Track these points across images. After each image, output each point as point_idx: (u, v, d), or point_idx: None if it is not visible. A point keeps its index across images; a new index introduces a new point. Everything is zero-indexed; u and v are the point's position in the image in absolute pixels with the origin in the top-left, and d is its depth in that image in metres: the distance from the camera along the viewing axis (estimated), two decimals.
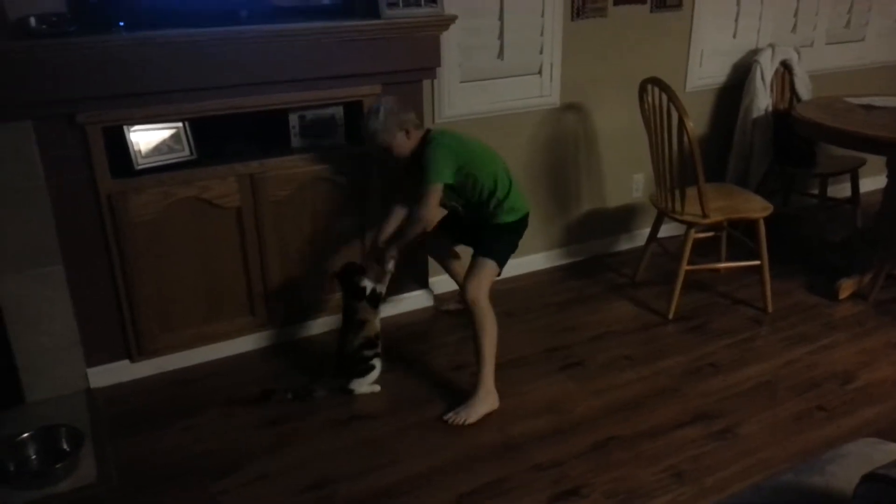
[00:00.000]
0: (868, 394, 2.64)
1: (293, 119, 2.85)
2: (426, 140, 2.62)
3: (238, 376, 2.79)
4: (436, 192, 2.53)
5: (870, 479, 1.03)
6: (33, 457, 2.29)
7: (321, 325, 3.05)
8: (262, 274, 2.85)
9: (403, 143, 2.61)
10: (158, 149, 2.64)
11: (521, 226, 2.75)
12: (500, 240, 2.69)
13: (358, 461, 2.33)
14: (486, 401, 2.54)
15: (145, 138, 2.62)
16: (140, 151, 2.61)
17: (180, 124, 2.67)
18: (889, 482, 1.01)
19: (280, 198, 2.79)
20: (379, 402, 2.63)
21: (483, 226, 2.71)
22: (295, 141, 2.87)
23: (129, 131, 2.58)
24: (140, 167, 2.59)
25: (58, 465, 2.21)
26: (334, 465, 2.31)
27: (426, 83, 3.04)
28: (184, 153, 2.68)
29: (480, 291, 2.56)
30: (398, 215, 2.74)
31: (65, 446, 2.31)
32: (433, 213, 2.60)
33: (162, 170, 2.62)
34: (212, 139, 2.77)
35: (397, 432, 2.47)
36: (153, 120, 2.58)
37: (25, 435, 2.30)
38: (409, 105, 2.70)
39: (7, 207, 2.39)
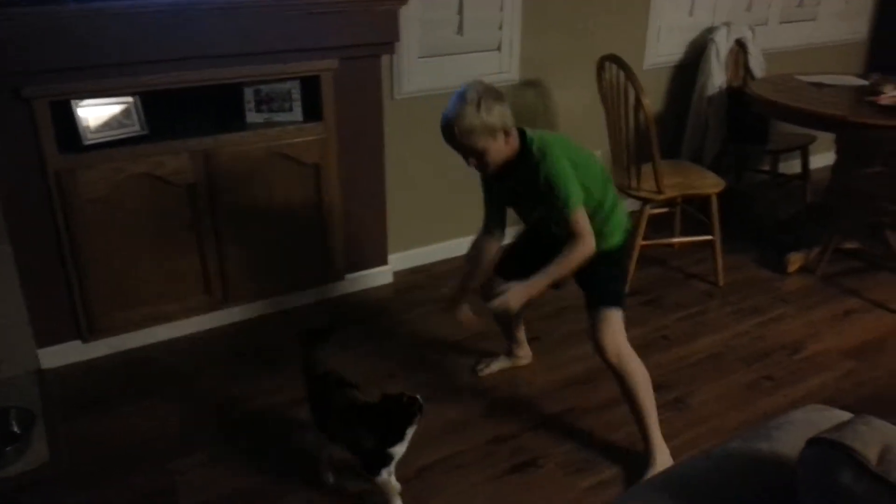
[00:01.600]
0: (814, 363, 2.73)
1: (248, 93, 2.80)
2: (527, 146, 2.03)
3: (194, 356, 2.75)
4: (585, 218, 2.02)
5: (814, 443, 1.07)
6: None
7: (277, 303, 3.03)
8: (217, 252, 2.80)
9: (501, 149, 1.99)
10: (108, 124, 2.57)
11: (629, 246, 2.32)
12: (613, 274, 2.21)
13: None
14: (662, 462, 2.17)
15: (95, 113, 2.54)
16: (89, 127, 2.53)
17: (131, 99, 2.59)
18: (832, 445, 1.05)
19: (235, 174, 2.74)
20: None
21: (599, 254, 2.08)
22: (250, 116, 2.82)
23: (77, 106, 2.50)
24: (89, 143, 2.52)
25: (7, 448, 2.16)
26: (294, 445, 2.30)
27: (384, 58, 3.00)
28: (135, 128, 2.61)
29: (620, 343, 2.13)
30: (490, 250, 2.29)
31: (15, 428, 2.25)
32: (593, 238, 2.03)
33: (112, 145, 2.55)
34: (164, 114, 2.70)
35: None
36: (103, 94, 2.51)
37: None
38: (504, 95, 2.01)
39: None
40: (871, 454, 1.02)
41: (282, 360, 2.73)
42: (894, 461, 1.01)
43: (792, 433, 1.25)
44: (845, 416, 1.29)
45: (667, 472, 1.29)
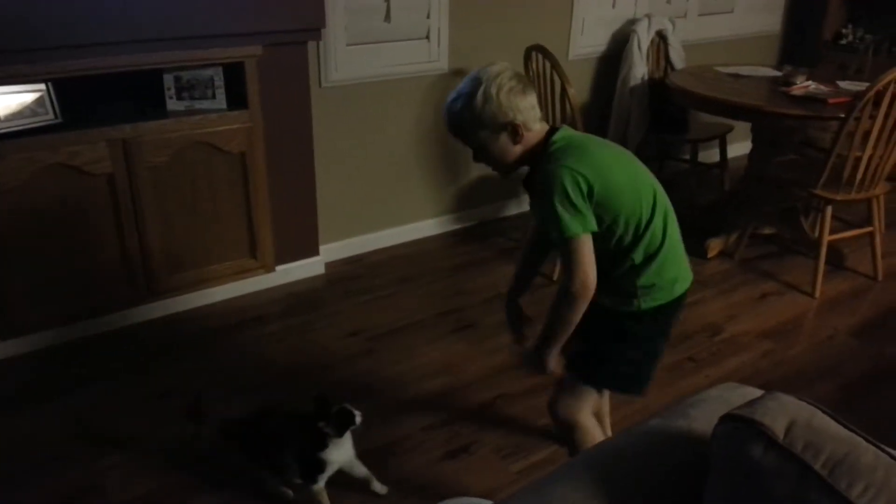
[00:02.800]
0: (733, 344, 2.85)
1: (168, 80, 2.72)
2: (548, 147, 1.60)
3: (116, 352, 2.67)
4: (582, 250, 1.53)
5: (726, 419, 1.12)
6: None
7: (204, 296, 2.96)
8: (139, 244, 2.72)
9: (507, 148, 1.62)
10: (20, 112, 2.46)
11: (670, 315, 1.70)
12: (630, 356, 1.72)
13: None
14: None
15: (4, 101, 2.43)
16: None
17: (44, 86, 2.49)
18: (743, 421, 1.10)
19: (157, 164, 2.66)
20: (272, 371, 2.59)
21: (595, 312, 1.61)
22: (171, 104, 2.74)
23: None
24: None
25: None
26: None
27: (311, 46, 2.96)
28: (48, 117, 2.51)
29: (572, 409, 1.79)
30: (533, 264, 1.94)
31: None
32: (591, 276, 1.54)
33: (24, 134, 2.44)
34: (80, 102, 2.61)
35: (286, 399, 2.44)
36: (13, 81, 2.40)
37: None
38: (531, 85, 1.64)
39: None
40: (779, 428, 1.07)
41: (206, 352, 2.68)
42: (800, 434, 1.07)
43: (707, 410, 1.30)
44: (757, 393, 1.35)
45: (589, 451, 1.33)
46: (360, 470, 2.03)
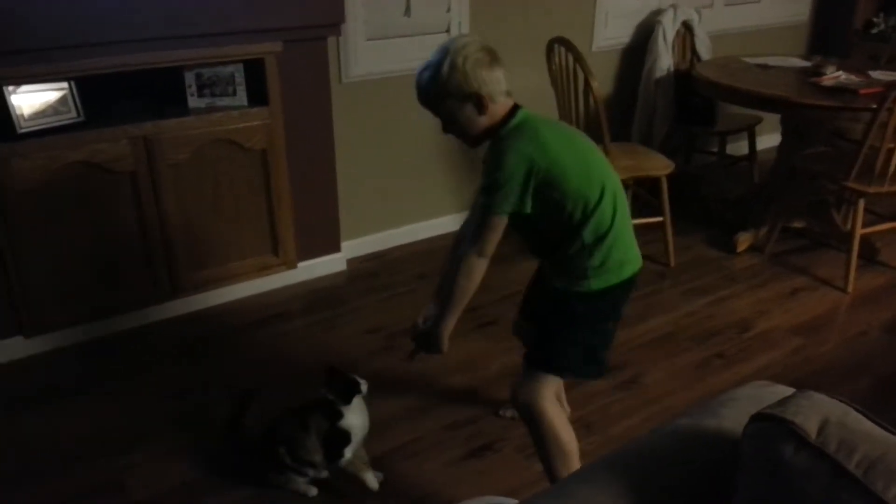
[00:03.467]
0: (763, 341, 2.78)
1: (189, 78, 2.72)
2: (506, 125, 1.68)
3: (140, 350, 2.68)
4: (498, 227, 1.66)
5: (757, 418, 1.08)
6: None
7: (227, 293, 2.96)
8: (162, 242, 2.73)
9: (473, 120, 1.67)
10: (43, 111, 2.48)
11: (619, 296, 1.76)
12: (576, 337, 1.77)
13: None
14: None
15: (28, 100, 2.45)
16: (23, 115, 2.43)
17: (66, 84, 2.50)
18: (774, 420, 1.06)
19: (178, 161, 2.67)
20: (294, 368, 2.59)
21: (546, 291, 1.76)
22: (192, 101, 2.75)
23: (10, 93, 2.40)
24: (23, 131, 2.42)
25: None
26: None
27: (331, 41, 2.94)
28: (71, 115, 2.52)
29: (533, 394, 1.80)
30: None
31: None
32: (490, 251, 1.69)
33: (47, 133, 2.45)
34: (102, 100, 2.62)
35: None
36: (37, 80, 2.42)
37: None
38: (498, 59, 1.69)
39: None
40: (811, 427, 1.03)
41: (229, 349, 2.68)
42: (832, 433, 1.03)
43: (737, 409, 1.26)
44: (788, 391, 1.31)
45: (617, 451, 1.29)
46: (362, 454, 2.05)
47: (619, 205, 1.70)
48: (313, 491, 2.05)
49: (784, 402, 1.11)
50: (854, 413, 1.07)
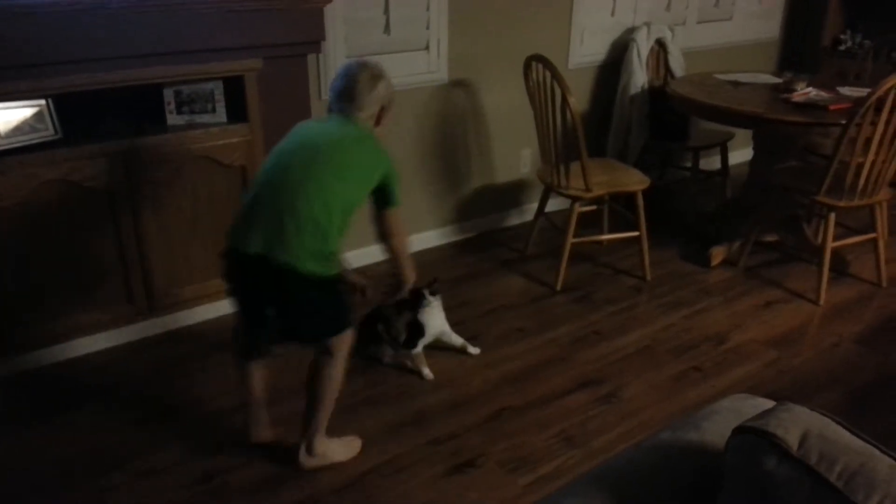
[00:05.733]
0: (739, 353, 2.82)
1: (168, 94, 2.71)
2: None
3: (116, 369, 2.65)
4: None
5: (740, 431, 1.10)
6: None
7: (205, 312, 2.93)
8: (140, 260, 2.70)
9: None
10: (19, 128, 2.45)
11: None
12: (332, 297, 2.07)
13: (248, 449, 2.26)
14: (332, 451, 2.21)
15: (3, 117, 2.42)
16: None
17: (43, 101, 2.48)
18: (757, 433, 1.08)
19: (157, 179, 2.65)
20: (273, 387, 2.57)
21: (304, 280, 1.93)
22: (171, 118, 2.73)
23: None
24: None
25: None
26: (225, 455, 2.24)
27: (311, 58, 2.95)
28: (48, 132, 2.49)
29: (339, 363, 2.09)
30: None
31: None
32: None
33: (25, 151, 2.42)
34: (79, 117, 2.59)
35: (289, 416, 2.41)
36: (12, 97, 2.38)
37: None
38: None
39: None
40: (792, 440, 1.06)
41: (207, 368, 2.66)
42: (813, 445, 1.05)
43: (719, 422, 1.28)
44: (769, 403, 1.34)
45: (601, 466, 1.31)
46: (455, 339, 2.74)
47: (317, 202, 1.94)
48: (387, 358, 2.68)
49: (765, 414, 1.13)
50: (833, 425, 1.10)
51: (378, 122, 2.10)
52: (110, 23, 2.39)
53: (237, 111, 2.79)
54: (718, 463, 1.15)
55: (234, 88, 2.76)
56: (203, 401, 2.49)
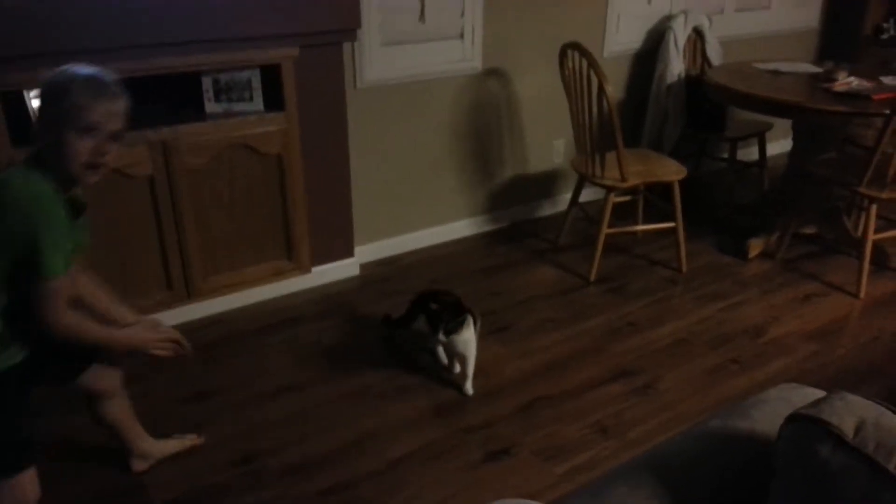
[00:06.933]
0: (777, 346, 2.78)
1: (206, 82, 2.73)
2: None
3: None
4: None
5: (794, 419, 1.08)
6: None
7: (242, 298, 2.97)
8: (179, 247, 2.73)
9: None
10: None
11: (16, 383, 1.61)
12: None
13: (286, 432, 2.29)
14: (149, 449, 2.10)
15: None
16: None
17: None
18: (811, 420, 1.06)
19: (196, 166, 2.68)
20: (305, 374, 2.59)
21: None
22: (209, 106, 2.75)
23: (29, 96, 2.41)
24: None
25: None
26: (262, 438, 2.27)
27: (346, 46, 2.96)
28: None
29: None
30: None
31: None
32: None
33: None
34: None
35: (324, 402, 2.44)
36: None
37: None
38: None
39: None
40: (848, 428, 1.04)
41: (244, 353, 2.69)
42: (869, 434, 1.03)
43: (768, 411, 1.26)
44: (819, 393, 1.31)
45: (647, 452, 1.30)
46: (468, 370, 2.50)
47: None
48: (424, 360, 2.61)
49: (818, 402, 1.11)
50: (889, 414, 1.07)
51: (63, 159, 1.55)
52: (152, 10, 2.42)
53: (273, 99, 2.80)
54: (769, 451, 1.14)
55: (271, 76, 2.78)
56: (240, 385, 2.51)
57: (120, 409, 2.01)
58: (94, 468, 2.15)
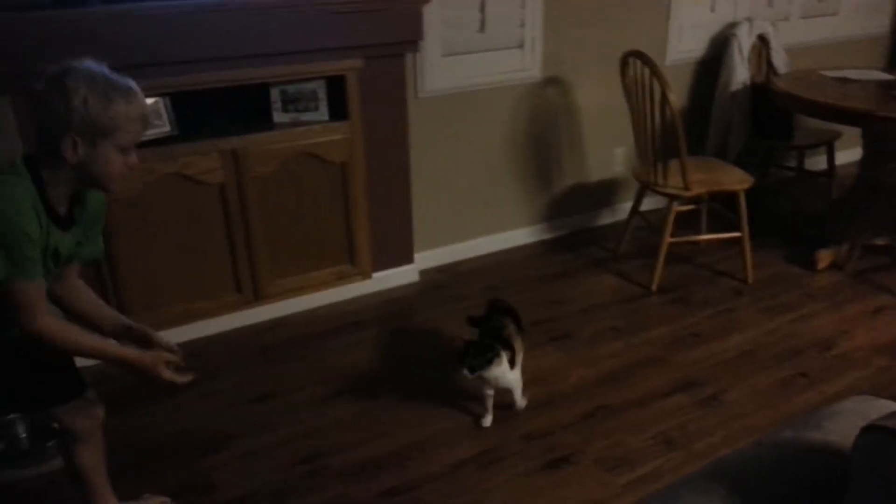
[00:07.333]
0: (847, 360, 2.70)
1: (274, 93, 2.82)
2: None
3: (223, 354, 2.77)
4: None
5: (870, 430, 1.06)
6: (23, 436, 2.25)
7: (305, 302, 3.04)
8: (247, 251, 2.82)
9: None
10: None
11: None
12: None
13: (348, 434, 2.33)
14: None
15: None
16: None
17: (161, 99, 2.62)
18: (888, 432, 1.04)
19: (264, 174, 2.76)
20: (365, 378, 2.63)
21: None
22: (277, 116, 2.84)
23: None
24: None
25: (49, 443, 2.18)
26: (324, 439, 2.31)
27: (408, 57, 3.01)
28: (165, 128, 2.64)
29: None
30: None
31: (54, 425, 2.26)
32: None
33: (143, 145, 2.56)
34: (192, 114, 2.72)
35: (384, 406, 2.47)
36: None
37: (13, 416, 2.25)
38: None
39: None
40: None
41: (308, 355, 2.75)
42: None
43: (842, 422, 1.24)
44: (893, 405, 1.28)
45: (718, 460, 1.28)
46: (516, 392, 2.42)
47: None
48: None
49: (894, 414, 1.09)
50: None
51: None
52: (224, 25, 2.51)
53: (338, 109, 2.87)
54: (843, 462, 1.11)
55: (336, 87, 2.84)
56: (302, 387, 2.57)
57: (91, 458, 1.90)
58: (168, 458, 2.23)
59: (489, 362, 2.23)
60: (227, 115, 2.82)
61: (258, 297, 2.91)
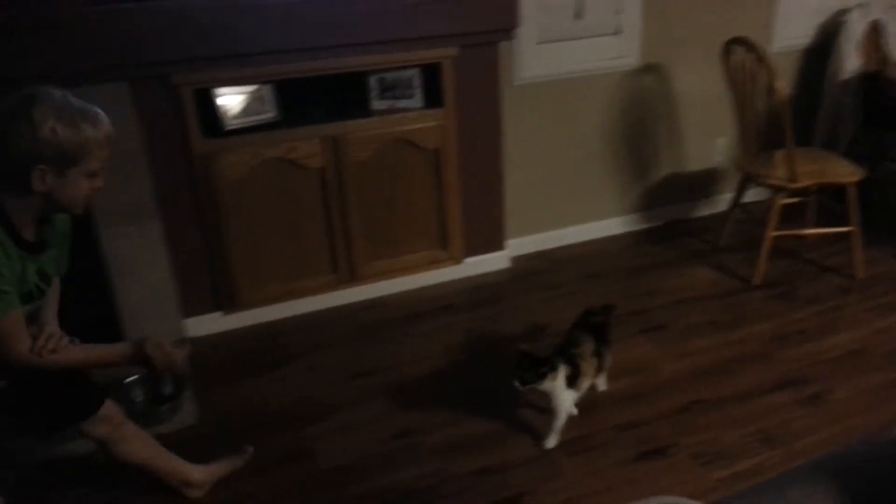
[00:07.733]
0: None
1: (372, 81, 2.87)
2: None
3: (323, 330, 2.87)
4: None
5: None
6: (139, 399, 2.41)
7: (398, 284, 3.10)
8: (344, 233, 2.90)
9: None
10: (246, 110, 2.70)
11: None
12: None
13: (441, 413, 2.38)
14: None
15: (233, 100, 2.68)
16: (228, 113, 2.67)
17: (266, 86, 2.72)
18: None
19: (361, 159, 2.83)
20: (456, 360, 2.66)
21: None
22: (375, 103, 2.89)
23: (217, 93, 2.65)
24: (229, 128, 2.66)
25: (162, 407, 2.33)
26: (419, 417, 2.37)
27: (503, 44, 3.00)
28: (269, 114, 2.74)
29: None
30: None
31: (168, 390, 2.39)
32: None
33: (249, 131, 2.68)
34: (294, 101, 2.81)
35: (476, 389, 2.49)
36: (240, 82, 2.64)
37: (132, 378, 2.41)
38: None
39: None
40: None
41: (401, 335, 2.81)
42: None
43: None
44: None
45: (826, 455, 1.24)
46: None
47: None
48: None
49: None
50: None
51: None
52: (327, 16, 2.57)
53: (433, 96, 2.90)
54: None
55: (431, 75, 2.87)
56: (395, 366, 2.63)
57: (136, 452, 1.93)
58: (272, 426, 2.33)
59: (542, 377, 2.13)
60: (327, 102, 2.90)
61: (354, 278, 2.99)
